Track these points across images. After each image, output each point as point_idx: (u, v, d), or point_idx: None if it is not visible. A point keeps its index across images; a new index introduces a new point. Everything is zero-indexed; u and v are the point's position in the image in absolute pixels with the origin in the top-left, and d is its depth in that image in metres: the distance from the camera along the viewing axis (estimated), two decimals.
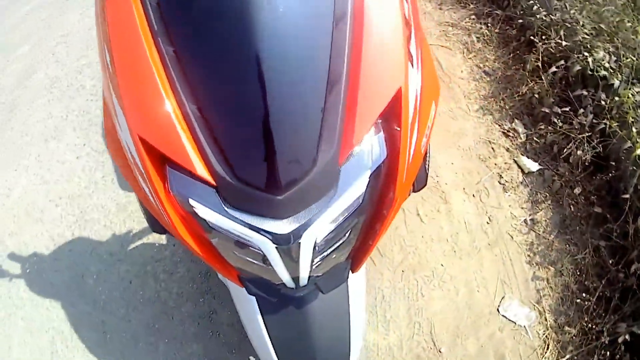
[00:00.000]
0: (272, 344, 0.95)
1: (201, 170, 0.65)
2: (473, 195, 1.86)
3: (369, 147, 0.68)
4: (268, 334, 0.95)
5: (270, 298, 0.88)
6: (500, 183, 1.89)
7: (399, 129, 0.71)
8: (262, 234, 0.66)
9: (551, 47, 1.95)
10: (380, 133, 0.70)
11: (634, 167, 1.64)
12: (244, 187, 0.64)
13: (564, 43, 1.92)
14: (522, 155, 1.92)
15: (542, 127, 1.92)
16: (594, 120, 1.80)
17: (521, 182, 1.88)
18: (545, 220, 1.81)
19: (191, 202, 0.67)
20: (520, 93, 2.00)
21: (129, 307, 1.80)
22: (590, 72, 1.83)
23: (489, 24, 2.23)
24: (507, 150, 1.95)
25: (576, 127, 1.83)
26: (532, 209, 1.83)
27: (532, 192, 1.86)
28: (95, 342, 1.75)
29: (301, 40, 0.66)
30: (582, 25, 1.92)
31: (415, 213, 1.83)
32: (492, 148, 1.95)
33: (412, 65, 0.74)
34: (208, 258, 0.82)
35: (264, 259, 0.71)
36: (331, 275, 0.85)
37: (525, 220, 1.81)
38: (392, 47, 0.70)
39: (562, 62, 1.91)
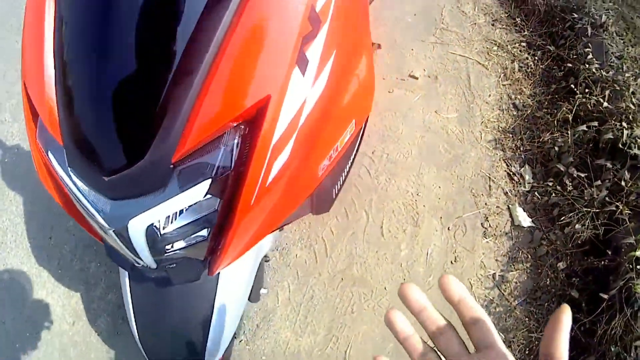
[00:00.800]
0: (133, 311, 0.95)
1: (54, 128, 0.66)
2: (448, 229, 1.69)
3: (217, 153, 0.62)
4: (131, 300, 0.95)
5: (124, 267, 0.87)
6: (483, 226, 1.70)
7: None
8: (93, 207, 0.66)
9: (590, 104, 1.72)
10: (234, 141, 0.63)
11: (628, 267, 1.42)
12: (80, 155, 0.63)
13: (605, 104, 1.68)
14: (518, 205, 1.72)
15: (551, 184, 1.71)
16: (607, 199, 1.58)
17: (506, 233, 1.69)
18: (516, 283, 1.62)
19: (49, 154, 0.69)
20: (542, 140, 1.78)
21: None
22: (621, 146, 1.61)
23: (537, 57, 1.99)
24: (505, 194, 1.75)
25: (586, 198, 1.61)
26: (506, 266, 1.65)
27: (513, 247, 1.67)
28: (40, 245, 1.79)
29: (159, 24, 0.60)
30: (632, 93, 1.68)
31: (379, 225, 1.69)
32: (490, 186, 1.76)
33: (304, 73, 0.64)
34: (70, 211, 0.82)
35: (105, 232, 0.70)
36: (183, 268, 0.82)
37: (494, 275, 1.63)
38: (273, 47, 0.60)
39: (596, 123, 1.68)
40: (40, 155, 0.74)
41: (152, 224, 0.64)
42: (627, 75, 1.72)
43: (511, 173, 1.79)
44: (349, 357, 1.52)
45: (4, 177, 1.95)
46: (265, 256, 1.31)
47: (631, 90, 1.68)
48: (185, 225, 0.67)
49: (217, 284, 0.91)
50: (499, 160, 1.81)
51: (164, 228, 0.66)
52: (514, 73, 1.95)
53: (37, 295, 1.74)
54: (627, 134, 1.59)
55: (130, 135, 0.60)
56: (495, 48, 2.02)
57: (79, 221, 0.82)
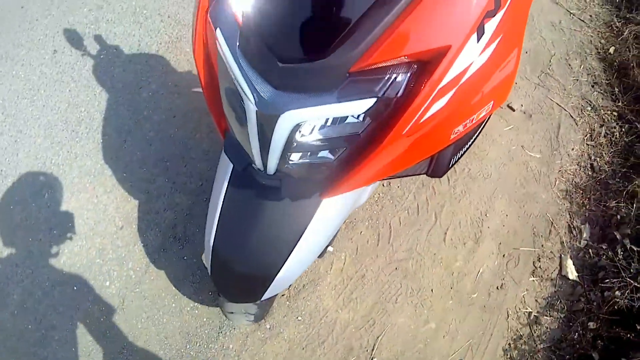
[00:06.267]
0: (220, 213, 0.94)
1: (235, 5, 0.68)
2: (503, 256, 1.75)
3: (390, 76, 0.65)
4: (222, 202, 0.94)
5: (237, 165, 0.87)
6: (534, 264, 1.76)
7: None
8: (251, 89, 0.66)
9: None
10: (409, 73, 0.66)
11: None
12: (257, 39, 0.64)
13: None
14: (570, 257, 1.79)
15: (604, 248, 1.78)
16: None
17: (552, 279, 1.75)
18: (547, 328, 1.68)
19: (217, 31, 0.69)
20: (608, 205, 1.85)
21: None
22: None
23: (624, 130, 2.05)
24: (561, 243, 1.81)
25: (632, 270, 1.67)
26: (543, 309, 1.71)
27: (554, 295, 1.73)
28: (112, 144, 1.86)
29: None
30: None
31: (444, 230, 1.74)
32: (550, 231, 1.82)
33: (478, 40, 0.68)
34: (208, 93, 0.86)
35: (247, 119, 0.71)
36: (298, 184, 0.83)
37: (529, 313, 1.69)
38: (465, 7, 0.64)
39: None
40: (204, 30, 0.76)
41: (299, 124, 0.67)
42: None
43: (572, 226, 1.85)
44: (380, 343, 1.57)
45: (95, 71, 1.98)
46: None
47: None
48: (322, 139, 0.70)
49: (314, 214, 0.89)
50: (565, 211, 1.87)
51: (302, 135, 0.69)
52: (599, 137, 2.02)
53: (94, 190, 1.76)
54: None
55: (321, 33, 0.63)
56: (589, 108, 2.09)
57: (210, 105, 0.85)
